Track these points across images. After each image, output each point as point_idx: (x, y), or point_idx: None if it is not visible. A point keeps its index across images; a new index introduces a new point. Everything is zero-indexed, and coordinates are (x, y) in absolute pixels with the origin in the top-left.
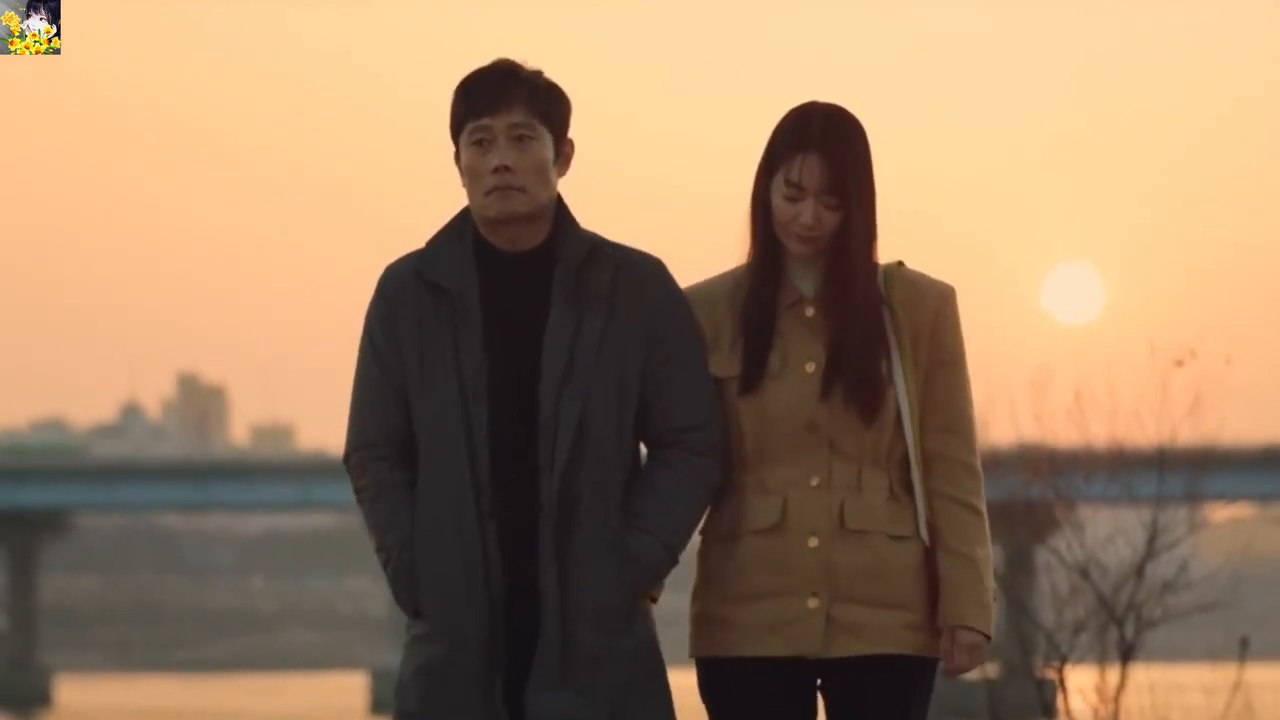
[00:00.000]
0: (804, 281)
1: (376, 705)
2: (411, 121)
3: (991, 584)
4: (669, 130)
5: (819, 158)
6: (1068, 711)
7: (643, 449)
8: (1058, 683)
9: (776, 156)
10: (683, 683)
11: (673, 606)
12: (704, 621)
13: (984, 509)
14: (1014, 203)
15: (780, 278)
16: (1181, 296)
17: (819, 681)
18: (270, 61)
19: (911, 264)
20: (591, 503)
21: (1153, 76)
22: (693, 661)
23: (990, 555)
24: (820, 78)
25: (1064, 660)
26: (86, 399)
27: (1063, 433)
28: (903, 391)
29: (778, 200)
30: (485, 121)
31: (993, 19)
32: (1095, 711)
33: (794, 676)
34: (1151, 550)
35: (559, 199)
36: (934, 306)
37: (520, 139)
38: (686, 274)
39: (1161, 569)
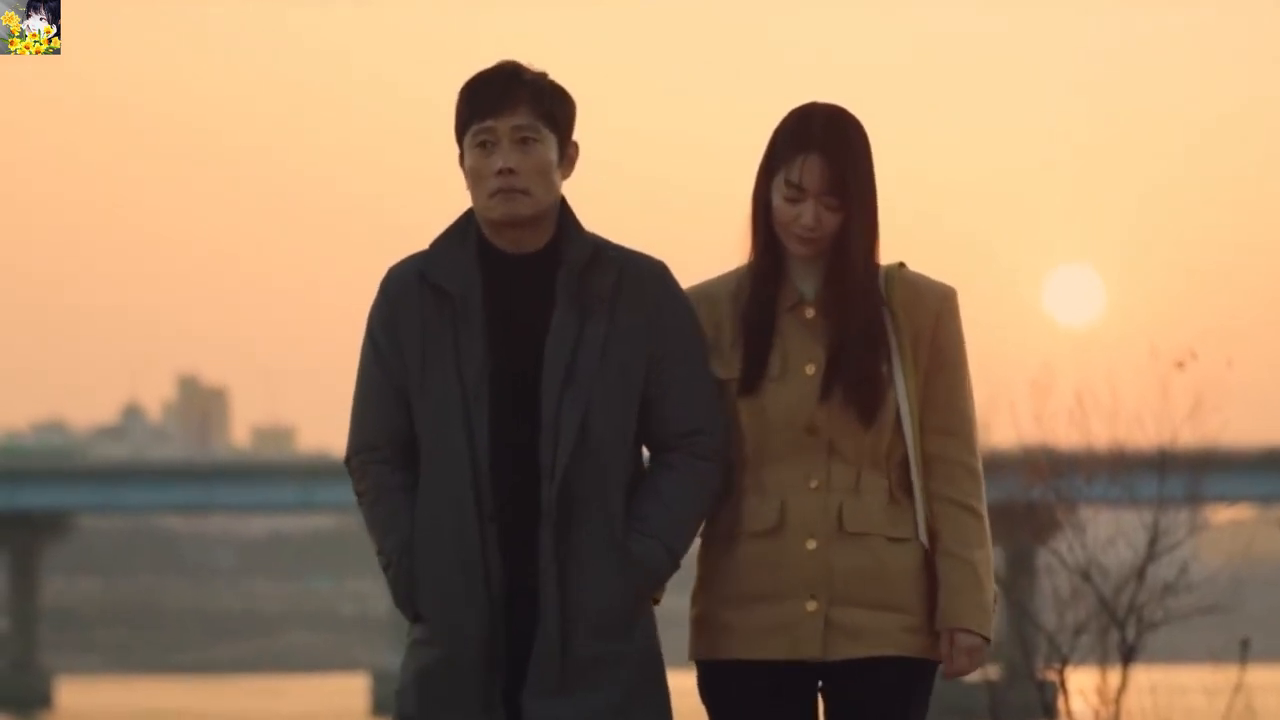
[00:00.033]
0: (804, 283)
1: (378, 707)
2: (412, 122)
3: (991, 586)
4: (669, 131)
5: (820, 158)
6: (1069, 713)
7: (644, 452)
8: (1059, 684)
9: (777, 157)
10: (683, 684)
11: (673, 608)
12: (703, 624)
13: (984, 511)
14: (1014, 204)
15: (781, 279)
16: (1182, 298)
17: (819, 683)
18: (270, 61)
19: (912, 265)
20: (592, 506)
21: (1153, 77)
22: (692, 663)
23: (990, 557)
24: (820, 78)
25: (1065, 662)
26: (87, 401)
27: (1064, 434)
28: (903, 393)
29: (778, 201)
30: (489, 123)
31: (993, 20)
32: (1096, 713)
33: (793, 679)
34: (1153, 552)
35: (563, 201)
36: (934, 308)
37: (524, 141)
38: (687, 275)
39: (1162, 571)
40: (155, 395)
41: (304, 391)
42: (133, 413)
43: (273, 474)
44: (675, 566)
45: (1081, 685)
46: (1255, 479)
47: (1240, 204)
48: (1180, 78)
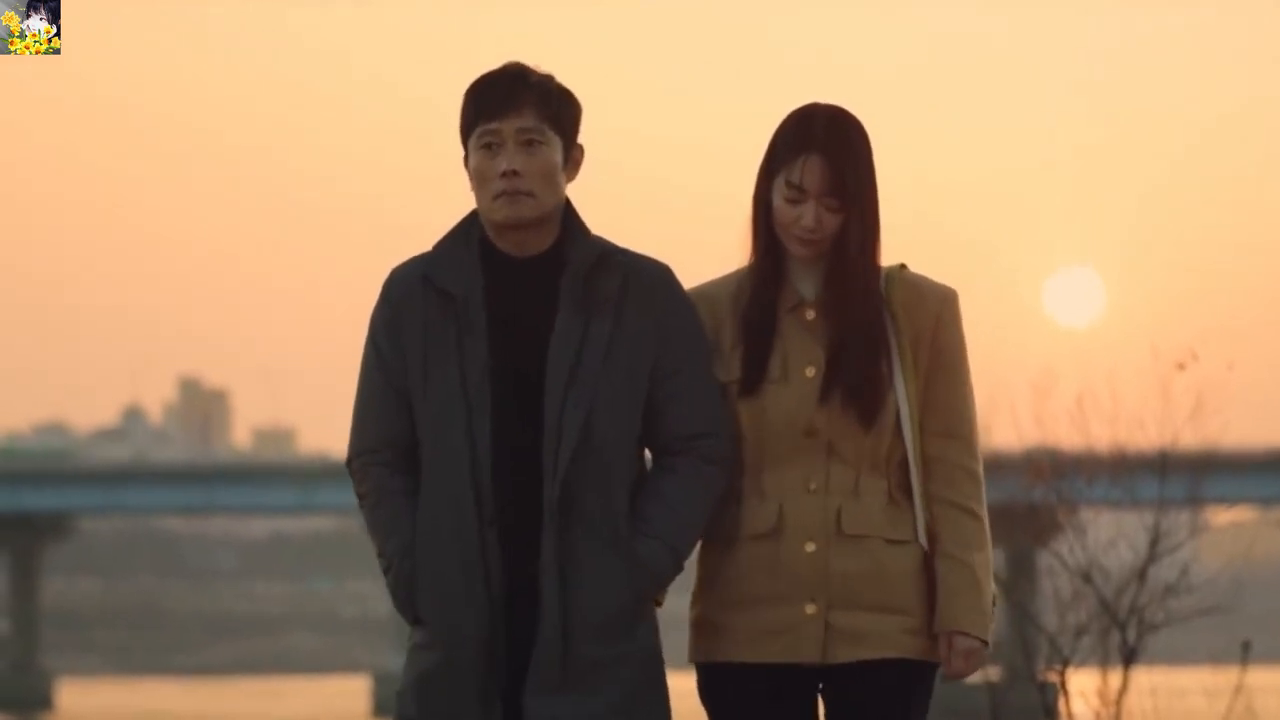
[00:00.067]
0: (805, 284)
1: (379, 708)
2: (412, 122)
3: (990, 589)
4: (669, 131)
5: (820, 159)
6: (1070, 715)
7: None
8: (1059, 686)
9: (778, 158)
10: (683, 686)
11: (673, 610)
12: (703, 626)
13: (984, 513)
14: (1015, 205)
15: (781, 281)
16: (1183, 299)
17: (819, 685)
18: (270, 62)
19: (912, 266)
20: (595, 508)
21: (1153, 77)
22: (692, 665)
23: (990, 560)
24: (820, 79)
25: (1066, 663)
26: (88, 402)
27: (1064, 436)
28: (903, 395)
29: (779, 202)
30: (494, 125)
31: (993, 20)
32: (1097, 715)
33: (793, 681)
34: (1153, 554)
35: (568, 204)
36: (935, 310)
37: (529, 143)
38: (687, 276)
39: (1163, 572)
40: (156, 397)
41: (305, 393)
42: (133, 414)
43: (273, 476)
44: (679, 569)
45: (1082, 687)
46: (1256, 481)
47: (1241, 204)
48: (1180, 78)
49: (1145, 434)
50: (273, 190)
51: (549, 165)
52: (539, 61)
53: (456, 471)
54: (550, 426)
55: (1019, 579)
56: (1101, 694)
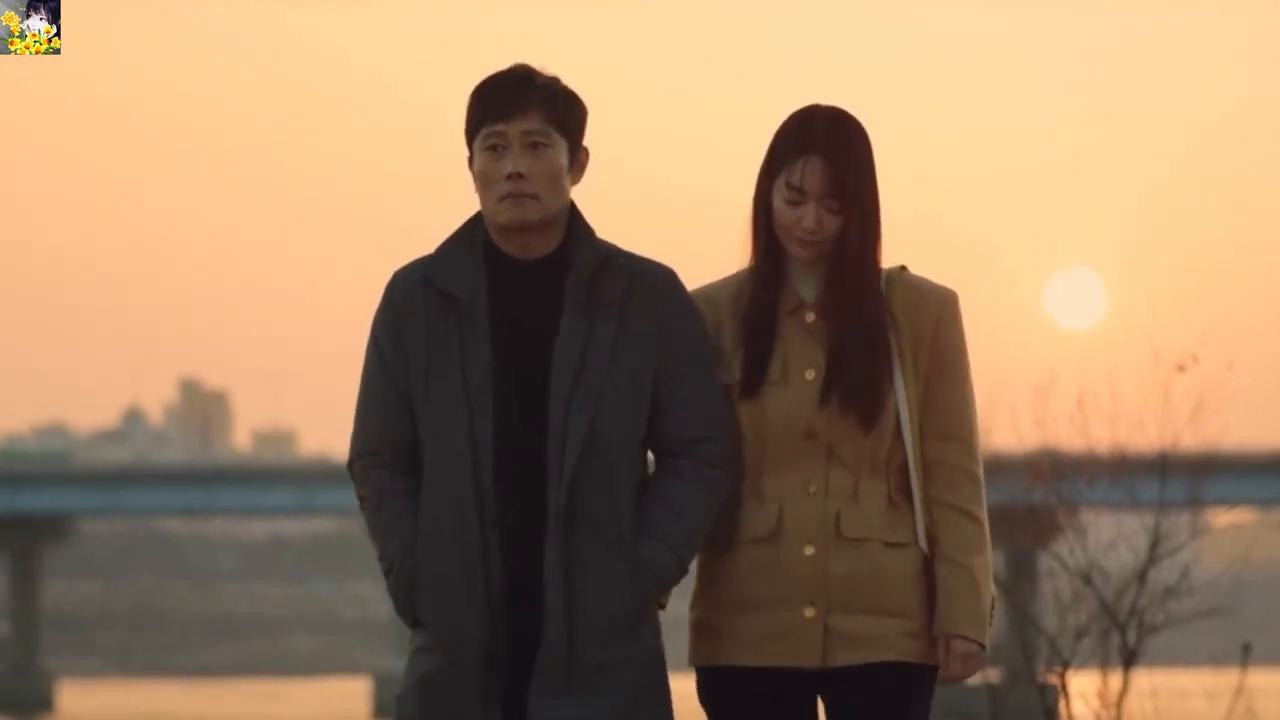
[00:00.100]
0: (805, 287)
1: (379, 710)
2: (412, 122)
3: (989, 592)
4: (669, 132)
5: (821, 161)
6: (1070, 716)
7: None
8: (1060, 688)
9: (778, 160)
10: (684, 688)
11: (673, 612)
12: (702, 629)
13: (984, 517)
14: (1015, 206)
15: (782, 283)
16: (1183, 300)
17: (819, 688)
18: (270, 62)
19: (912, 267)
20: (599, 511)
21: (1153, 77)
22: (692, 668)
23: (989, 563)
24: (820, 80)
25: (1066, 665)
26: (88, 404)
27: (1065, 437)
28: (903, 398)
29: (779, 204)
30: (500, 127)
31: (993, 20)
32: (1097, 716)
33: (793, 685)
34: (1154, 555)
35: (573, 207)
36: (935, 312)
37: (535, 146)
38: (687, 278)
39: (1164, 574)
40: (156, 398)
41: (305, 395)
42: (134, 416)
43: (274, 477)
44: (683, 572)
45: (1082, 689)
46: (1256, 482)
47: (1241, 205)
48: (1180, 78)
49: (1145, 435)
50: (273, 191)
51: (554, 168)
52: (539, 62)
53: (458, 473)
54: (555, 429)
55: (1019, 581)
56: (1102, 696)
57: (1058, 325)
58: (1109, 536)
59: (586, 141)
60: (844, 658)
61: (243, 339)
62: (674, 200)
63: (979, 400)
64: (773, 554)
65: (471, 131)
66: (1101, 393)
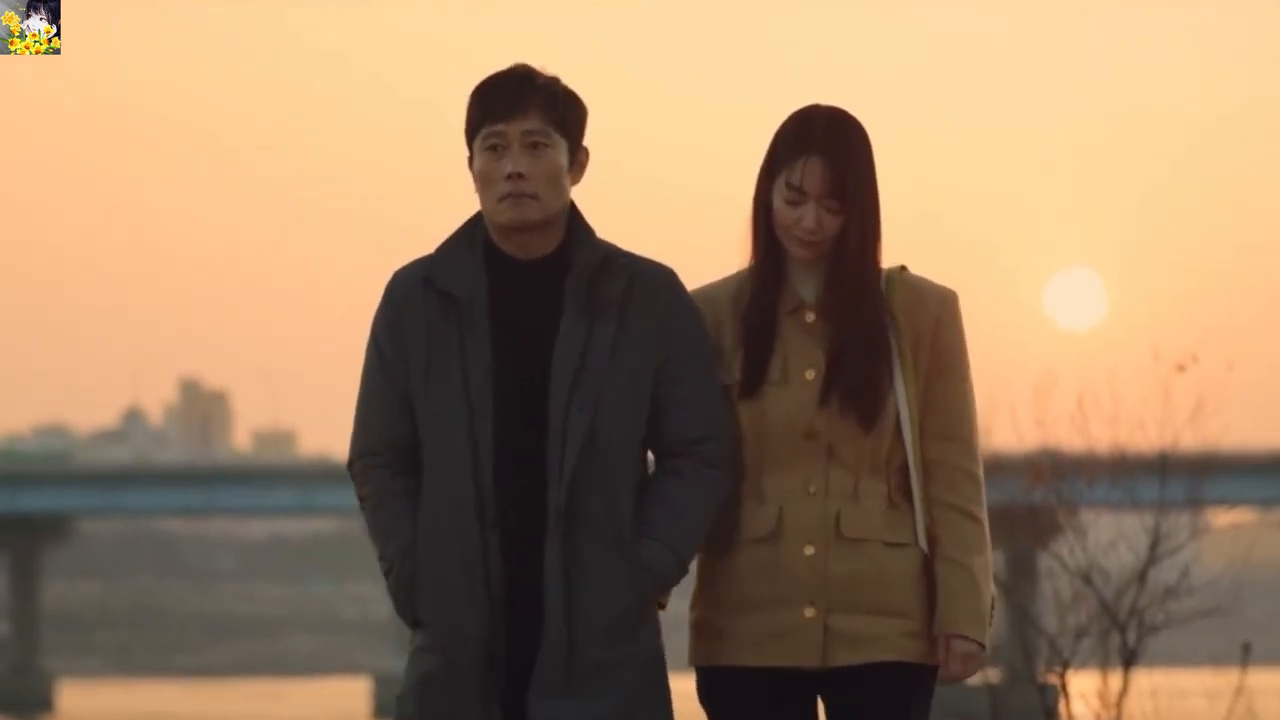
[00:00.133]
0: (805, 287)
1: (379, 710)
2: (412, 122)
3: (989, 592)
4: (669, 132)
5: (821, 161)
6: (1070, 717)
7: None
8: (1060, 688)
9: (778, 159)
10: (684, 688)
11: (673, 612)
12: (702, 629)
13: (984, 516)
14: (1015, 206)
15: (782, 283)
16: (1184, 300)
17: (819, 689)
18: (270, 62)
19: (912, 268)
20: (599, 511)
21: (1153, 77)
22: (693, 668)
23: (989, 563)
24: (821, 80)
25: (1066, 665)
26: (88, 404)
27: (1065, 437)
28: (903, 398)
29: (779, 204)
30: (500, 127)
31: (994, 20)
32: (1097, 717)
33: (793, 685)
34: (1154, 555)
35: (573, 207)
36: (935, 312)
37: (535, 146)
38: (687, 278)
39: (1164, 574)
40: (156, 398)
41: (305, 395)
42: (134, 416)
43: (274, 477)
44: (683, 573)
45: (1082, 689)
46: (1256, 482)
47: (1242, 205)
48: (1180, 78)
49: (1145, 435)
50: (273, 191)
51: (554, 168)
52: (539, 62)
53: (458, 474)
54: (555, 429)
55: (1019, 580)
56: (1102, 696)
57: (1058, 325)
58: (1109, 536)
59: (586, 141)
60: (844, 658)
61: (243, 339)
62: (674, 200)
63: (979, 400)
64: (773, 554)
65: (471, 131)
66: (1101, 393)
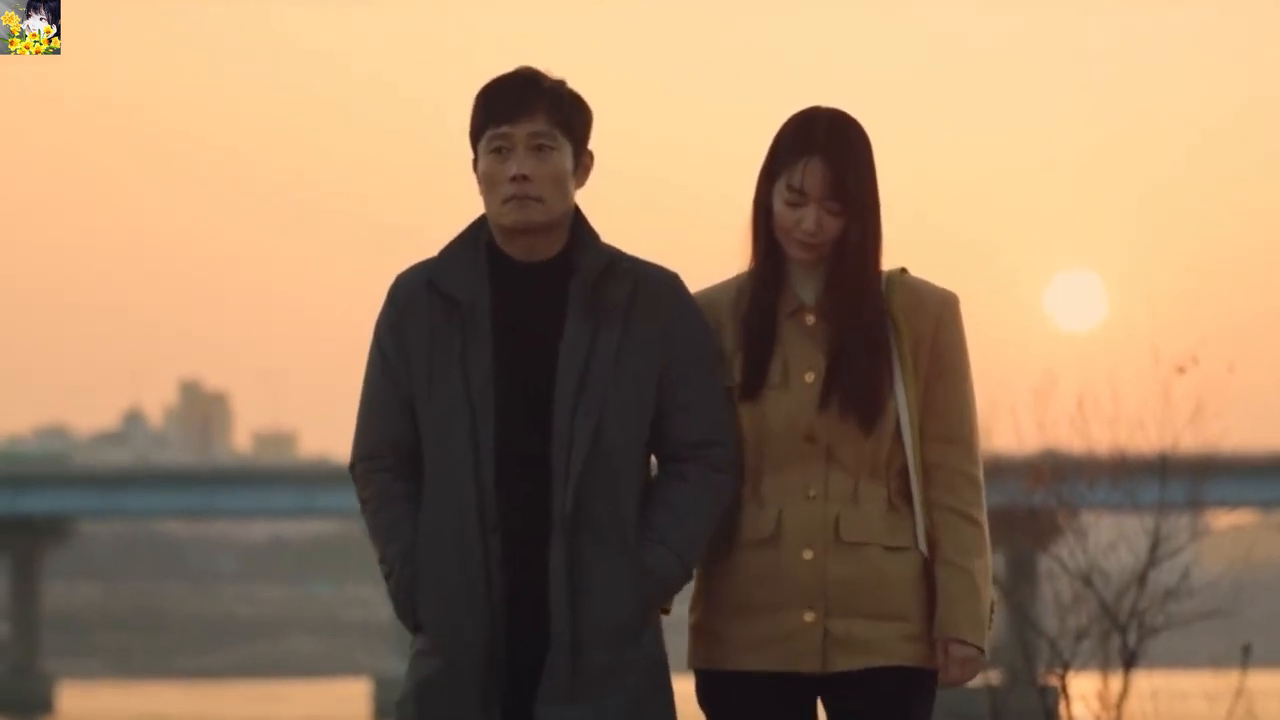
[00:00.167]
0: (805, 289)
1: (380, 712)
2: (412, 123)
3: (989, 596)
4: (669, 134)
5: (821, 162)
6: (1070, 718)
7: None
8: (1060, 690)
9: (779, 161)
10: (683, 690)
11: (676, 614)
12: (702, 633)
13: (984, 520)
14: (1016, 208)
15: (782, 285)
16: (1184, 302)
17: (819, 693)
18: (270, 63)
19: (913, 269)
20: (603, 515)
21: (1153, 77)
22: (692, 670)
23: (989, 566)
24: (821, 82)
25: (1066, 667)
26: (88, 405)
27: (1065, 439)
28: (903, 401)
29: (779, 206)
30: (505, 129)
31: (994, 22)
32: (1098, 718)
33: (792, 689)
34: (1154, 557)
35: (577, 210)
36: (935, 314)
37: (540, 148)
38: (688, 279)
39: (1164, 576)
40: (156, 400)
41: (305, 396)
42: (134, 417)
43: (274, 479)
44: (687, 577)
45: (1083, 690)
46: (1257, 484)
47: (1242, 206)
48: (1180, 78)
49: (1146, 437)
50: (273, 192)
51: (559, 171)
52: (539, 63)
53: (459, 477)
54: (560, 434)
55: (1019, 582)
56: (1102, 698)
57: (1058, 327)
58: (1109, 538)
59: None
60: (844, 662)
61: (243, 340)
62: (674, 202)
63: (979, 402)
64: (772, 558)
65: (476, 133)
66: (1102, 394)
